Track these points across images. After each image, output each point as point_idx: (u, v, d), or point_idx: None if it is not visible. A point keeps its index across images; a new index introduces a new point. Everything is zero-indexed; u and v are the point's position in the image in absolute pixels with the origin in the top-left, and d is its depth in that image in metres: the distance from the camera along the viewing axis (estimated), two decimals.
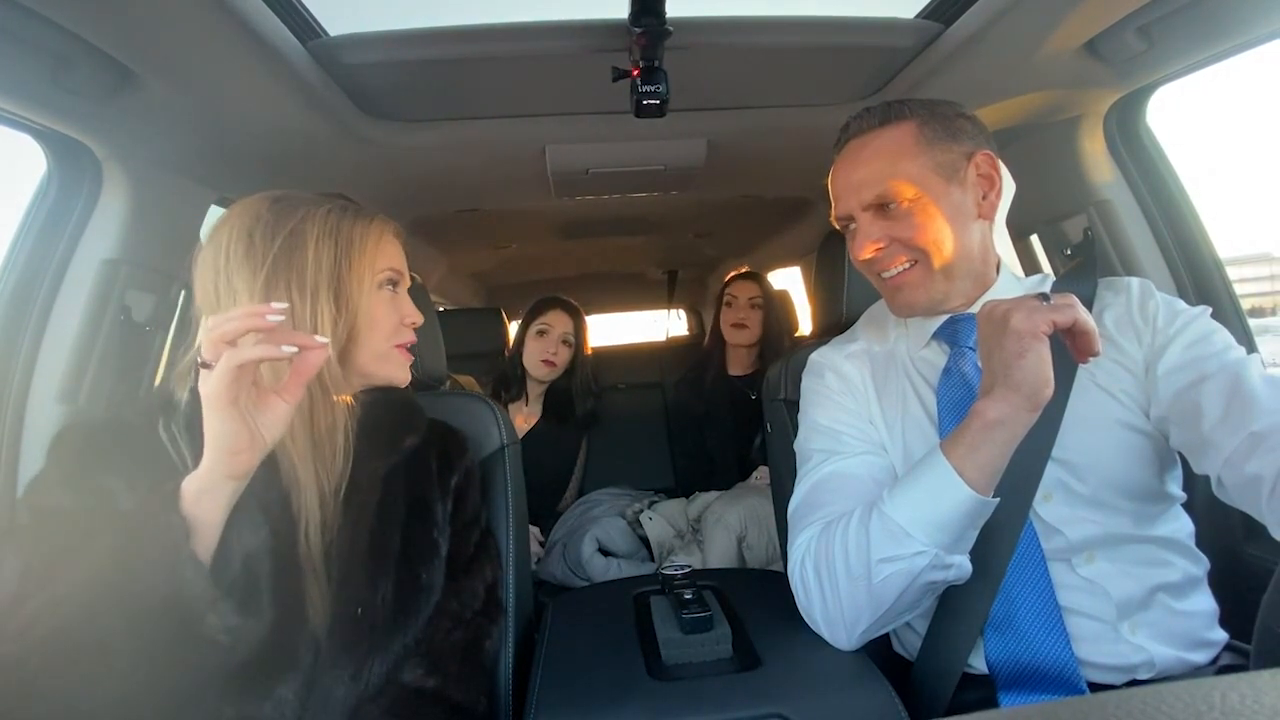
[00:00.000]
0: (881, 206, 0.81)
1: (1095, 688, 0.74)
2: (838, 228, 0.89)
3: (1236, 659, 0.78)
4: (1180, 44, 0.95)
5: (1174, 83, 1.09)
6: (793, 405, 1.00)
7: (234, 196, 1.21)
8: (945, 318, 0.85)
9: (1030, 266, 1.44)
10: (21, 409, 0.95)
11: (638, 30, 0.87)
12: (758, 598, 0.92)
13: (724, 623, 0.79)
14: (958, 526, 0.68)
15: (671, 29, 0.88)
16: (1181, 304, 0.80)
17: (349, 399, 0.74)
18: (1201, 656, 0.76)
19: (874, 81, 1.18)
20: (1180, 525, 0.79)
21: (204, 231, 1.17)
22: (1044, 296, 0.66)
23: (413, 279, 0.84)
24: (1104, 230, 1.23)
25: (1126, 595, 0.74)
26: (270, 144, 1.13)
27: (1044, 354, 0.64)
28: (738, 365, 2.12)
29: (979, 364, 0.70)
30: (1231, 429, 0.67)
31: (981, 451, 0.67)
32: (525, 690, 0.77)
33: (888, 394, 0.88)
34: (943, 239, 0.79)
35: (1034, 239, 1.40)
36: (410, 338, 0.79)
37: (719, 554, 1.63)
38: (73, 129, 0.92)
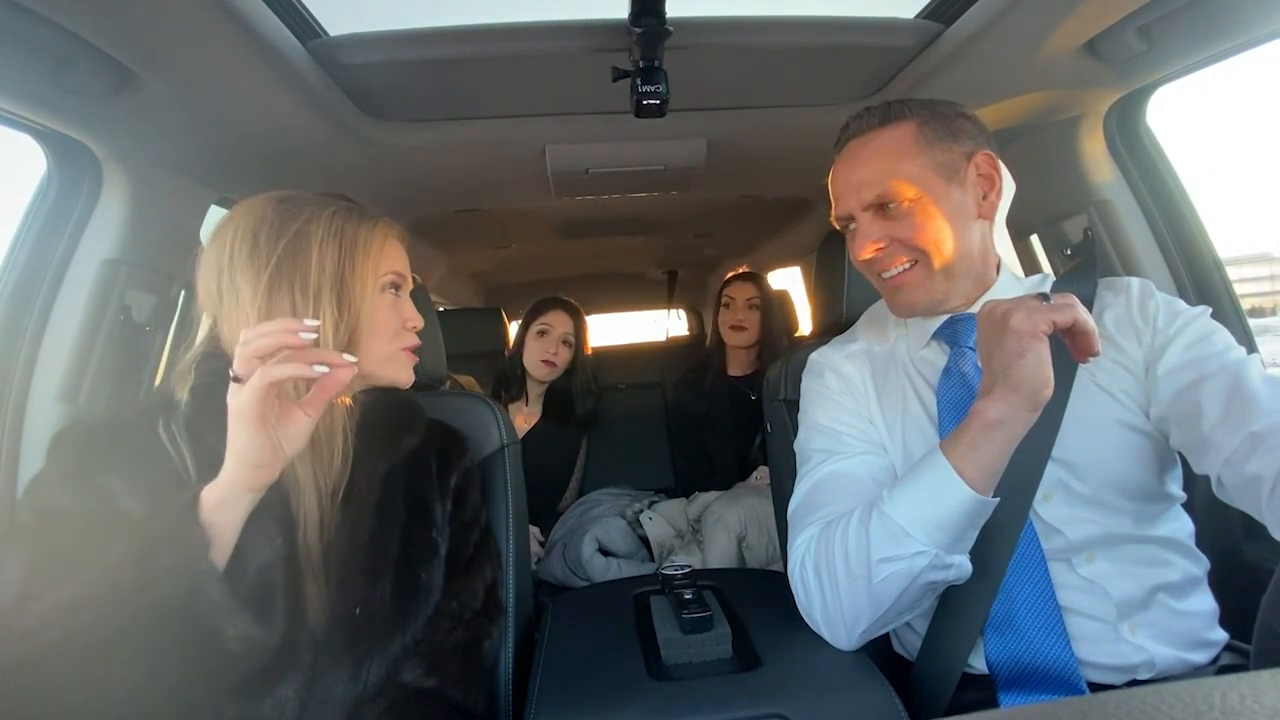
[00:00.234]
0: (881, 206, 0.81)
1: (1095, 688, 0.74)
2: (838, 228, 0.89)
3: (1236, 659, 0.78)
4: (1180, 44, 0.95)
5: (1174, 83, 1.09)
6: (793, 405, 1.00)
7: (234, 196, 1.21)
8: (945, 318, 0.85)
9: (1030, 266, 1.44)
10: (21, 409, 0.95)
11: (638, 30, 0.87)
12: (758, 598, 0.92)
13: (724, 623, 0.79)
14: (958, 526, 0.68)
15: (671, 29, 0.88)
16: (1181, 304, 0.80)
17: (348, 400, 0.74)
18: (1201, 656, 0.76)
19: (874, 81, 1.18)
20: (1180, 525, 0.79)
21: (204, 231, 1.17)
22: (1044, 296, 0.66)
23: (413, 280, 0.84)
24: (1104, 230, 1.23)
25: (1127, 595, 0.74)
26: (270, 144, 1.13)
27: (1044, 354, 0.64)
28: (738, 366, 2.12)
29: (979, 364, 0.70)
30: (1231, 429, 0.67)
31: (981, 451, 0.67)
32: (525, 690, 0.78)
33: (888, 394, 0.88)
34: (943, 239, 0.79)
35: (1034, 239, 1.40)
36: (413, 340, 0.79)
37: (719, 554, 1.63)
38: (73, 129, 0.91)
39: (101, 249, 0.99)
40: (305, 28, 0.92)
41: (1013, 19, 0.90)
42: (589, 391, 2.03)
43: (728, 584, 0.98)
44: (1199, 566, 0.79)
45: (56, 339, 0.97)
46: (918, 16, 1.01)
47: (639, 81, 0.95)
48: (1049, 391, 0.65)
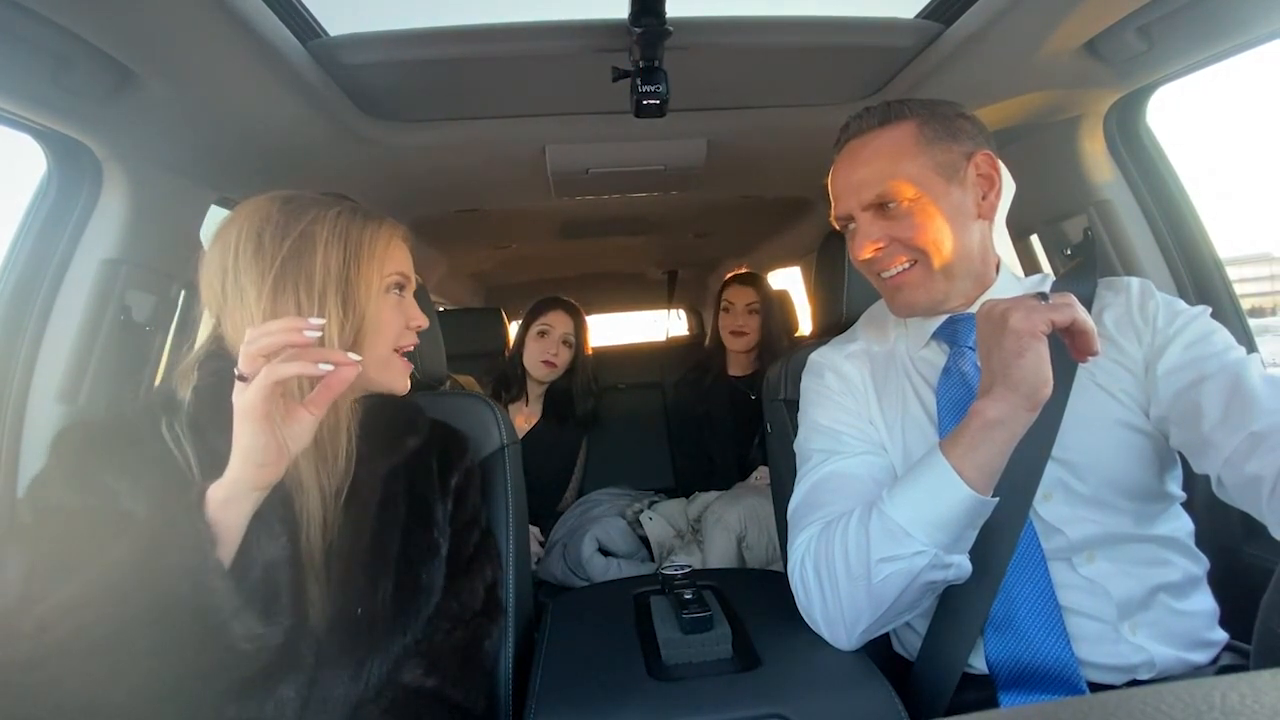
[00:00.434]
0: (881, 206, 0.81)
1: (1095, 688, 0.74)
2: (838, 228, 0.89)
3: (1236, 659, 0.78)
4: (1180, 44, 0.95)
5: (1174, 83, 1.09)
6: (793, 405, 1.00)
7: (234, 196, 1.22)
8: (945, 317, 0.85)
9: (1030, 266, 1.44)
10: (21, 409, 0.95)
11: (638, 30, 0.87)
12: (758, 598, 0.92)
13: (724, 623, 0.79)
14: (957, 526, 0.68)
15: (671, 29, 0.88)
16: (1181, 304, 0.80)
17: (354, 401, 0.74)
18: (1201, 656, 0.76)
19: (874, 81, 1.18)
20: (1180, 525, 0.79)
21: (204, 231, 1.17)
22: (1043, 296, 0.66)
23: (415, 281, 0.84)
24: (1104, 230, 1.23)
25: (1127, 595, 0.74)
26: (270, 144, 1.13)
27: (1042, 353, 0.64)
28: (737, 366, 2.11)
29: (978, 363, 0.70)
30: (1231, 429, 0.67)
31: (981, 451, 0.67)
32: (525, 690, 0.78)
33: (887, 394, 0.88)
34: (942, 239, 0.79)
35: (1034, 239, 1.40)
36: (414, 340, 0.79)
37: (719, 554, 1.63)
38: (73, 129, 0.91)
39: (101, 249, 0.99)
40: (305, 28, 0.92)
41: (1013, 19, 0.90)
42: (589, 391, 2.03)
43: (728, 584, 0.98)
44: (1199, 566, 0.79)
45: (56, 339, 0.97)
46: (918, 16, 1.01)
47: (639, 81, 0.95)
48: (1048, 391, 0.65)
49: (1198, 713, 0.23)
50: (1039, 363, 0.64)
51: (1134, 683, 0.74)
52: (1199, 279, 1.19)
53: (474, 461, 0.89)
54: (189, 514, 0.58)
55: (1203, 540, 0.80)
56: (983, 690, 0.77)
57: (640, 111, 0.97)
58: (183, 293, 1.15)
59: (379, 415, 0.78)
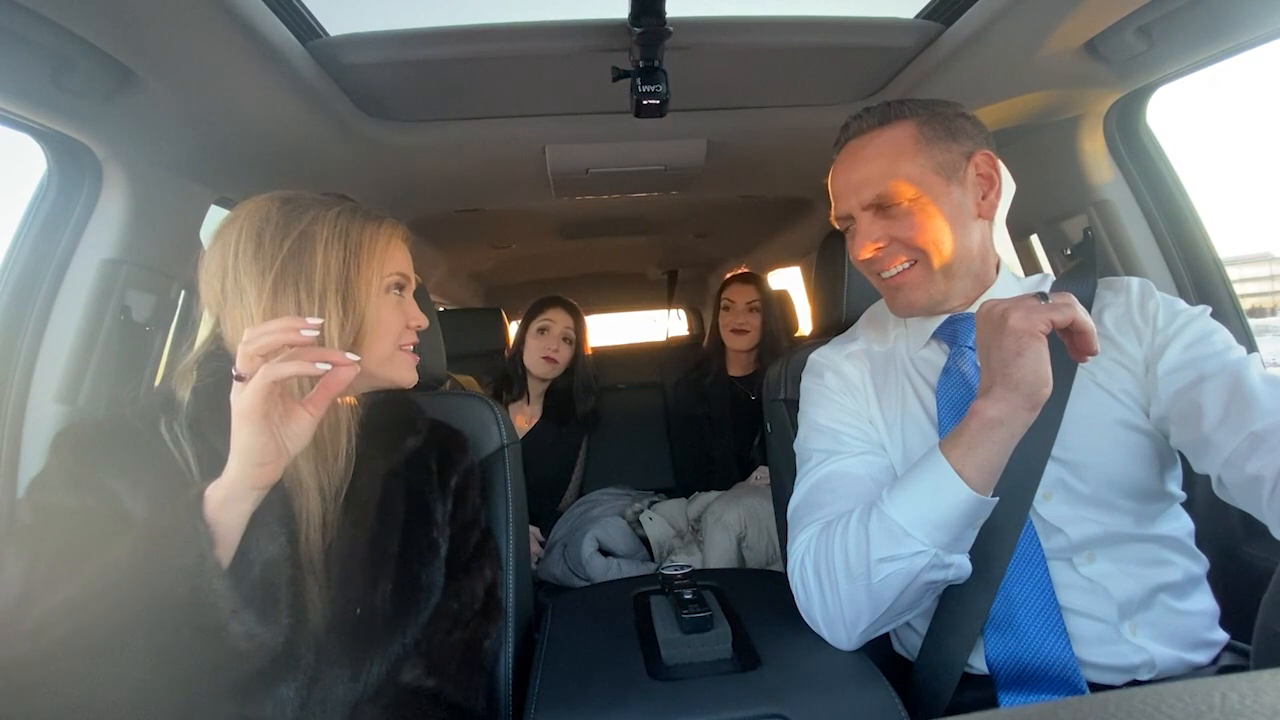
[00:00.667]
0: (881, 206, 0.81)
1: (1095, 688, 0.74)
2: (838, 227, 0.89)
3: (1236, 659, 0.78)
4: (1180, 44, 0.95)
5: (1174, 83, 1.09)
6: (793, 405, 1.00)
7: (234, 196, 1.22)
8: (945, 317, 0.85)
9: (1030, 266, 1.44)
10: (21, 409, 0.95)
11: (638, 30, 0.87)
12: (758, 598, 0.92)
13: (724, 623, 0.79)
14: (957, 526, 0.68)
15: (671, 29, 0.88)
16: (1181, 304, 0.80)
17: (353, 400, 0.74)
18: (1202, 656, 0.76)
19: (874, 81, 1.18)
20: (1181, 524, 0.79)
21: (204, 232, 1.17)
22: (1043, 296, 0.66)
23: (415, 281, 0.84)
24: (1104, 230, 1.23)
25: (1127, 595, 0.74)
26: (270, 144, 1.13)
27: (1042, 353, 0.64)
28: (737, 366, 2.12)
29: (978, 363, 0.70)
30: (1232, 429, 0.67)
31: (980, 450, 0.67)
32: (525, 690, 0.77)
33: (887, 394, 0.88)
34: (942, 239, 0.79)
35: (1034, 239, 1.40)
36: (414, 339, 0.79)
37: (719, 554, 1.63)
38: (73, 129, 0.91)
39: (101, 249, 0.99)
40: (305, 28, 0.92)
41: (1013, 19, 0.90)
42: (589, 390, 2.03)
43: (728, 584, 0.98)
44: (1199, 566, 0.79)
45: (56, 339, 0.97)
46: (918, 16, 1.01)
47: (639, 81, 0.95)
48: (1047, 390, 0.65)
49: (1198, 713, 0.23)
50: (1039, 363, 0.64)
51: (1134, 683, 0.74)
52: (1199, 279, 1.19)
53: (474, 461, 0.89)
54: (187, 514, 0.58)
55: (1203, 540, 0.80)
56: (983, 690, 0.77)
57: (640, 111, 0.97)
58: (183, 293, 1.15)
59: (379, 415, 0.78)
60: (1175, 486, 0.79)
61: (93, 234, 1.00)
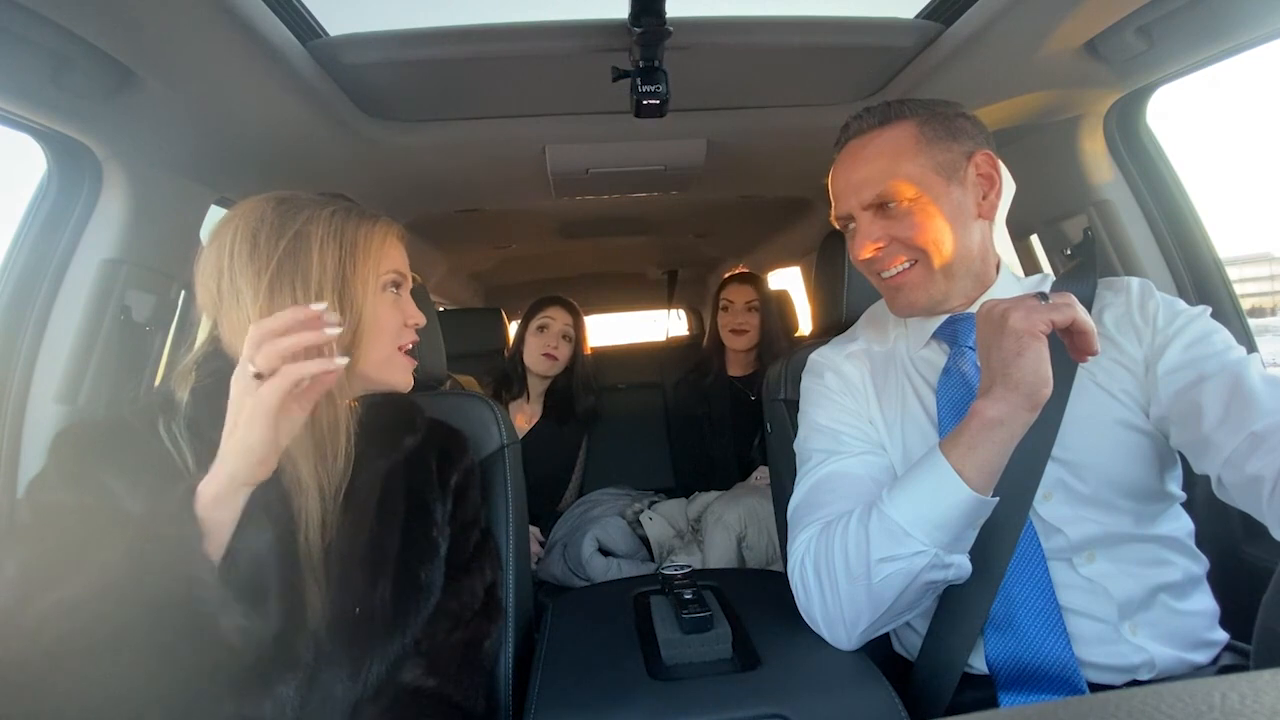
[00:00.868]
0: (881, 206, 0.81)
1: (1095, 688, 0.74)
2: (838, 227, 0.89)
3: (1236, 659, 0.78)
4: (1180, 44, 0.95)
5: (1174, 83, 1.09)
6: (793, 405, 1.00)
7: (234, 196, 1.21)
8: (945, 317, 0.85)
9: (1030, 266, 1.44)
10: (21, 409, 0.95)
11: (638, 30, 0.88)
12: (758, 598, 0.92)
13: (724, 623, 0.79)
14: (957, 526, 0.68)
15: (671, 29, 0.88)
16: (1181, 304, 0.80)
17: (354, 402, 0.74)
18: (1202, 656, 0.76)
19: (874, 81, 1.18)
20: (1180, 525, 0.79)
21: (204, 232, 1.17)
22: (1043, 296, 0.66)
23: (413, 279, 0.84)
24: (1104, 230, 1.23)
25: (1127, 595, 0.74)
26: (270, 144, 1.13)
27: (1042, 353, 0.64)
28: (737, 366, 2.12)
29: (978, 363, 0.70)
30: (1232, 429, 0.67)
31: (981, 451, 0.67)
32: (525, 690, 0.77)
33: (887, 394, 0.88)
34: (942, 239, 0.79)
35: (1034, 239, 1.40)
36: (413, 338, 0.79)
37: (719, 554, 1.63)
38: (73, 129, 0.91)
39: (101, 249, 0.99)
40: (305, 28, 0.92)
41: (1013, 19, 0.90)
42: (589, 389, 2.03)
43: (728, 584, 0.98)
44: (1199, 566, 0.79)
45: (56, 339, 0.97)
46: (918, 16, 1.01)
47: (639, 81, 0.95)
48: (1048, 391, 0.65)
49: (1198, 713, 0.23)
50: (1039, 363, 0.64)
51: (1134, 683, 0.74)
52: (1199, 279, 1.19)
53: (474, 461, 0.89)
54: (178, 509, 0.58)
55: (1203, 540, 0.80)
56: (983, 690, 0.77)
57: (640, 111, 0.97)
58: (183, 293, 1.15)
59: (378, 414, 0.78)
60: (1175, 487, 0.79)
61: (93, 234, 1.00)
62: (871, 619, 0.72)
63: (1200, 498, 0.83)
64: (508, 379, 1.97)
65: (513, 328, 2.28)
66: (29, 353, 0.96)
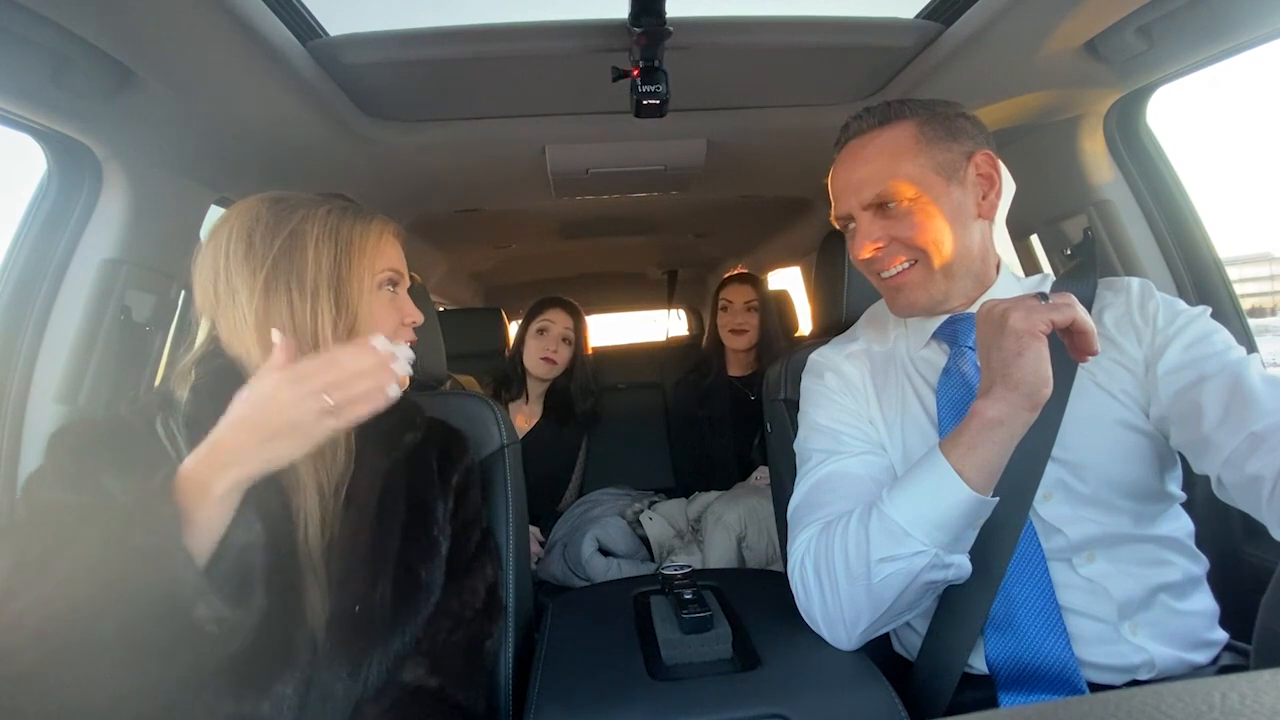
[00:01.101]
0: (881, 206, 0.81)
1: (1095, 688, 0.74)
2: (838, 227, 0.89)
3: (1236, 659, 0.78)
4: (1180, 44, 0.95)
5: (1174, 83, 1.09)
6: (793, 405, 1.00)
7: (234, 196, 1.21)
8: (945, 317, 0.85)
9: (1030, 266, 1.44)
10: (21, 409, 0.95)
11: (638, 30, 0.88)
12: (758, 598, 0.92)
13: (724, 623, 0.79)
14: (957, 526, 0.68)
15: (671, 29, 0.88)
16: (1181, 304, 0.80)
17: None
18: (1202, 656, 0.76)
19: (874, 81, 1.18)
20: (1180, 525, 0.79)
21: (204, 232, 1.17)
22: (1043, 296, 0.66)
23: (412, 279, 0.84)
24: (1104, 230, 1.23)
25: (1127, 595, 0.74)
26: (270, 144, 1.13)
27: (1042, 353, 0.64)
28: (737, 366, 2.12)
29: (978, 363, 0.70)
30: (1232, 429, 0.67)
31: (981, 451, 0.67)
32: (525, 690, 0.77)
33: (887, 394, 0.88)
34: (942, 239, 0.79)
35: (1034, 239, 1.40)
36: (410, 337, 0.79)
37: (719, 554, 1.63)
38: (73, 129, 0.91)
39: (101, 249, 0.99)
40: (305, 28, 0.92)
41: (1013, 19, 0.90)
42: (589, 390, 2.03)
43: (728, 584, 0.98)
44: (1199, 566, 0.79)
45: (56, 339, 0.97)
46: (918, 16, 1.01)
47: (639, 81, 0.95)
48: (1048, 391, 0.65)
49: (1198, 713, 0.23)
50: (1039, 363, 0.64)
51: (1134, 683, 0.74)
52: (1199, 279, 1.19)
53: (475, 460, 0.89)
54: (155, 500, 0.58)
55: (1203, 540, 0.80)
56: (983, 690, 0.77)
57: (640, 111, 0.97)
58: (183, 293, 1.15)
59: (377, 413, 0.78)
60: (1175, 487, 0.79)
61: (93, 234, 1.00)
62: (871, 619, 0.72)
63: (1200, 498, 0.83)
64: (507, 379, 1.97)
65: (513, 328, 2.28)
66: (29, 353, 0.96)
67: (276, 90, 0.96)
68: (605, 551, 1.72)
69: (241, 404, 0.61)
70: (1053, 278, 0.94)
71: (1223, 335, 0.75)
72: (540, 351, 1.91)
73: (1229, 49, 0.96)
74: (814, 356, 0.96)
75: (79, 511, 0.61)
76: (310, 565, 0.69)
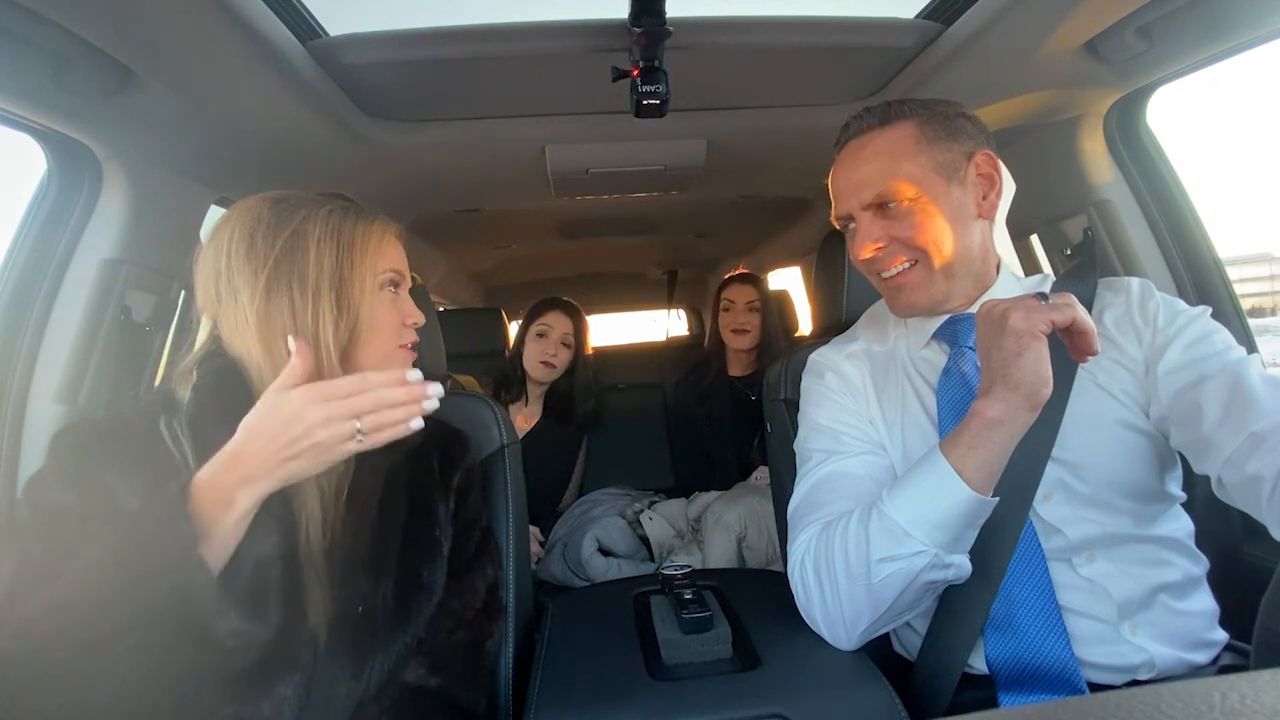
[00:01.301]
0: (881, 206, 0.81)
1: (1095, 688, 0.74)
2: (838, 227, 0.89)
3: (1236, 659, 0.78)
4: (1180, 44, 0.95)
5: (1174, 83, 1.09)
6: (793, 405, 1.00)
7: (234, 196, 1.21)
8: (945, 318, 0.85)
9: (1030, 266, 1.44)
10: (21, 409, 0.95)
11: (638, 30, 0.88)
12: (758, 598, 0.92)
13: (724, 623, 0.79)
14: (957, 526, 0.68)
15: (671, 29, 0.88)
16: (1181, 304, 0.80)
17: None
18: (1202, 656, 0.76)
19: (874, 81, 1.18)
20: (1180, 525, 0.79)
21: (204, 232, 1.17)
22: (1043, 296, 0.66)
23: (413, 279, 0.84)
24: (1104, 230, 1.23)
25: (1127, 595, 0.74)
26: (270, 144, 1.13)
27: (1042, 353, 0.64)
28: (737, 366, 2.12)
29: (978, 364, 0.70)
30: (1232, 429, 0.67)
31: (981, 451, 0.67)
32: (525, 690, 0.78)
33: (887, 394, 0.88)
34: (943, 239, 0.79)
35: (1034, 239, 1.40)
36: (412, 338, 0.79)
37: (719, 554, 1.63)
38: (73, 129, 0.91)
39: (101, 249, 0.99)
40: (305, 28, 0.92)
41: (1013, 19, 0.90)
42: (589, 392, 2.02)
43: (728, 584, 0.98)
44: (1199, 566, 0.79)
45: (56, 339, 0.97)
46: (918, 16, 1.01)
47: (639, 81, 0.95)
48: (1048, 391, 0.65)
49: (1198, 713, 0.23)
50: (1039, 363, 0.64)
51: (1134, 683, 0.74)
52: (1199, 279, 1.19)
53: (476, 461, 0.89)
54: (170, 510, 0.58)
55: (1203, 540, 0.80)
56: (983, 690, 0.77)
57: (640, 112, 0.97)
58: (183, 293, 1.15)
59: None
60: (1175, 487, 0.79)
61: (93, 234, 1.00)
62: (871, 619, 0.72)
63: (1200, 498, 0.83)
64: (507, 380, 1.96)
65: (513, 328, 2.28)
66: (29, 353, 0.96)
67: (276, 90, 0.96)
68: (605, 551, 1.72)
69: (263, 416, 0.61)
70: (1053, 278, 0.94)
71: (1223, 335, 0.75)
72: (539, 355, 1.90)
73: (1229, 49, 0.96)
74: (814, 356, 0.96)
75: (85, 517, 0.61)
76: (312, 566, 0.69)
